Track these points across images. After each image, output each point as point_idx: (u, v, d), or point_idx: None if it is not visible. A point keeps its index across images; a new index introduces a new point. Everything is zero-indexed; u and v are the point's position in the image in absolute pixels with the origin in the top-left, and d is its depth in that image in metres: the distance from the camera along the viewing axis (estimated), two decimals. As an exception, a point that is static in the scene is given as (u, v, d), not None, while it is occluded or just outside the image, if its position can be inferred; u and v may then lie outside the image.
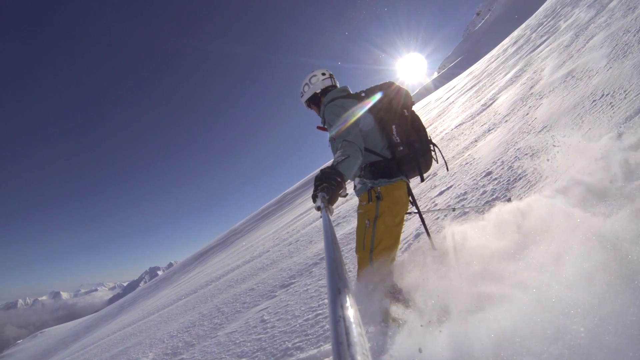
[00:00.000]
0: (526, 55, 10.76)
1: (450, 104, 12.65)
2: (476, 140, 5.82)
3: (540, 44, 10.64)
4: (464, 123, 7.75)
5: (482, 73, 14.27)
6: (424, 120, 14.10)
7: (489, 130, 5.86)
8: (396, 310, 1.77)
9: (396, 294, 1.87)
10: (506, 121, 5.70)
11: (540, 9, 17.58)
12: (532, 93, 6.18)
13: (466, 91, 12.82)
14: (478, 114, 7.59)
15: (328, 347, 2.44)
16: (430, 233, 2.15)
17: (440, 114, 12.08)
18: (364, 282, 1.87)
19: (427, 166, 2.02)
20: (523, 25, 18.00)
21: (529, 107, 5.53)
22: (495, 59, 15.20)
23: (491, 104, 7.73)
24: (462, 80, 18.17)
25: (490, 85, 10.33)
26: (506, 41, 18.11)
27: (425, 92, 51.23)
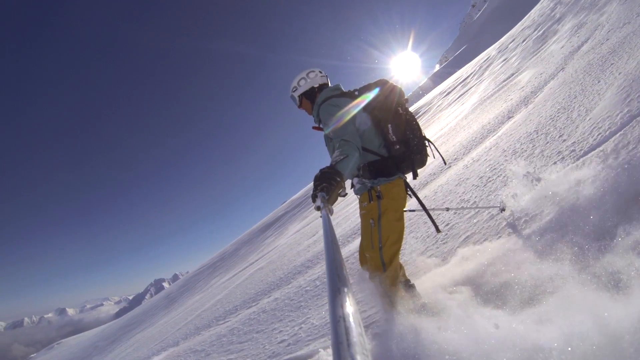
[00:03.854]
0: (584, 13, 10.23)
1: (507, 57, 13.26)
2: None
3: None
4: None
5: (520, 39, 15.00)
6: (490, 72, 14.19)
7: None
8: (408, 302, 1.87)
9: (408, 288, 2.02)
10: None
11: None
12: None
13: (514, 47, 13.53)
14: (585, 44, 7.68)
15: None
16: (435, 221, 2.17)
17: (509, 79, 12.61)
18: (377, 278, 1.96)
19: (423, 162, 2.09)
20: (537, 7, 18.76)
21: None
22: (528, 29, 15.58)
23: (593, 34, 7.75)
24: (491, 51, 18.95)
25: (556, 34, 11.02)
26: (526, 22, 18.36)
27: (422, 92, 50.99)
